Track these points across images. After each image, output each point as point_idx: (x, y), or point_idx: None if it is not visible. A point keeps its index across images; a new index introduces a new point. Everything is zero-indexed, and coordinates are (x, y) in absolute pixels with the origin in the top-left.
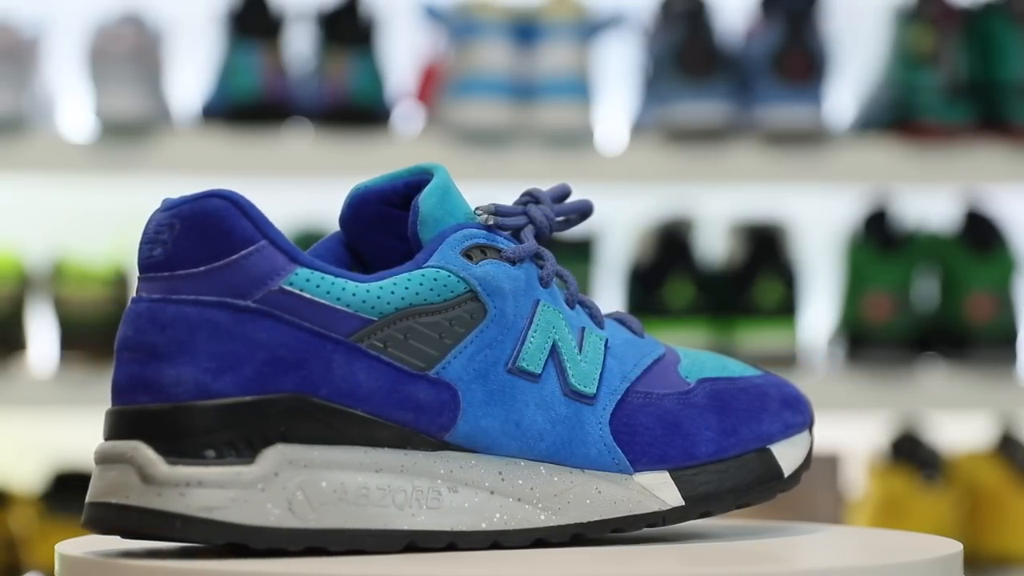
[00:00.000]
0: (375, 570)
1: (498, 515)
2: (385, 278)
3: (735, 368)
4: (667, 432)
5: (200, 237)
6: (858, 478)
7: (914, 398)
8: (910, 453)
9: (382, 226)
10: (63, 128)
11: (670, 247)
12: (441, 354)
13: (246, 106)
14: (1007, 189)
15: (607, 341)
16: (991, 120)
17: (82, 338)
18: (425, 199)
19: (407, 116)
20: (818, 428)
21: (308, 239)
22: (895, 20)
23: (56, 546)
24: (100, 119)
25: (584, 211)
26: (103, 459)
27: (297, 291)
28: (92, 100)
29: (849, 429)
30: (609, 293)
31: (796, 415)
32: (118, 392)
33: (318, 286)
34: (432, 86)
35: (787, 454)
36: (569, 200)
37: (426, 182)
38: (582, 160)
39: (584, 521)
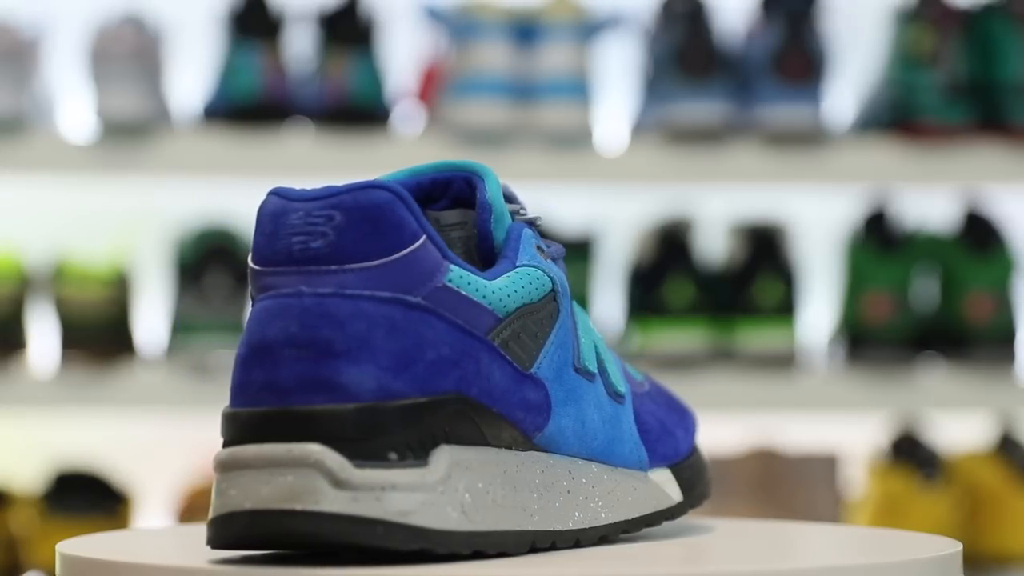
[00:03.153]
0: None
1: (577, 514)
2: (496, 276)
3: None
4: (662, 430)
5: (369, 230)
6: (858, 478)
7: (914, 398)
8: (910, 453)
9: None
10: (63, 128)
11: (670, 247)
12: (536, 354)
13: (246, 106)
14: (1006, 189)
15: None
16: (990, 120)
17: (83, 338)
18: (495, 197)
19: (407, 116)
20: (817, 428)
21: None
22: (895, 20)
23: (57, 546)
24: (101, 119)
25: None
26: (269, 463)
27: (455, 288)
28: (93, 101)
29: (849, 429)
30: (609, 293)
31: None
32: (281, 392)
33: (469, 283)
34: (433, 86)
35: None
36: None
37: (450, 179)
38: (582, 160)
39: (630, 518)
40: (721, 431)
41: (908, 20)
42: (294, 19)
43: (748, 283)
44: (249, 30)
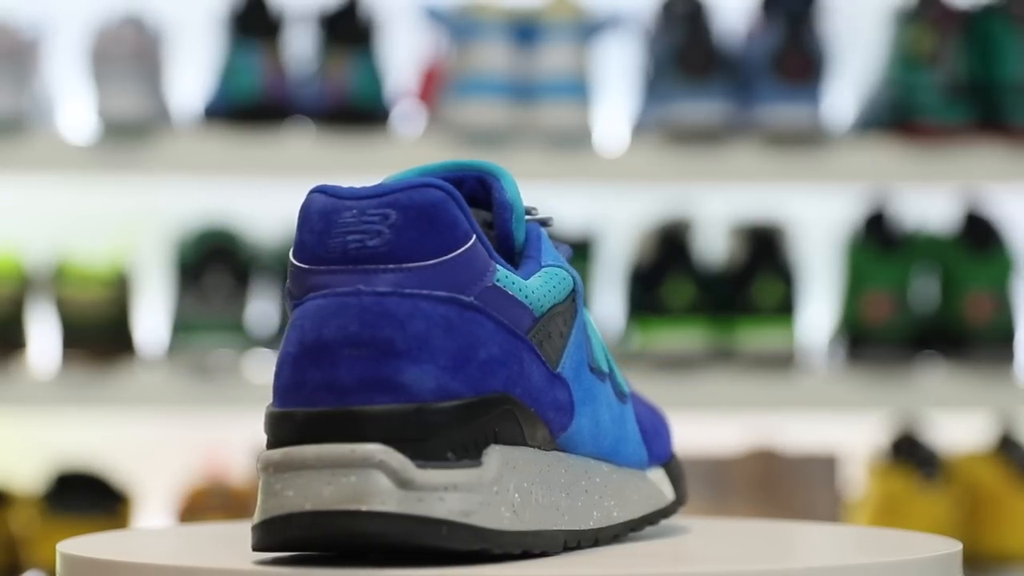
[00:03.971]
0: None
1: (595, 513)
2: (528, 276)
3: None
4: (653, 430)
5: (426, 229)
6: (857, 478)
7: (913, 398)
8: (909, 452)
9: None
10: (64, 129)
11: (670, 247)
12: (560, 354)
13: (247, 107)
14: (1006, 189)
15: None
16: (990, 120)
17: (83, 338)
18: (515, 196)
19: (407, 116)
20: (817, 428)
21: None
22: (895, 21)
23: (57, 545)
24: (101, 120)
25: None
26: (331, 463)
27: (502, 288)
28: (93, 101)
29: (848, 429)
30: (609, 293)
31: None
32: (340, 392)
33: (513, 283)
34: (433, 87)
35: None
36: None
37: (462, 178)
38: (582, 160)
39: (637, 517)
40: (721, 431)
41: (908, 20)
42: (294, 19)
43: (748, 283)
44: (249, 30)
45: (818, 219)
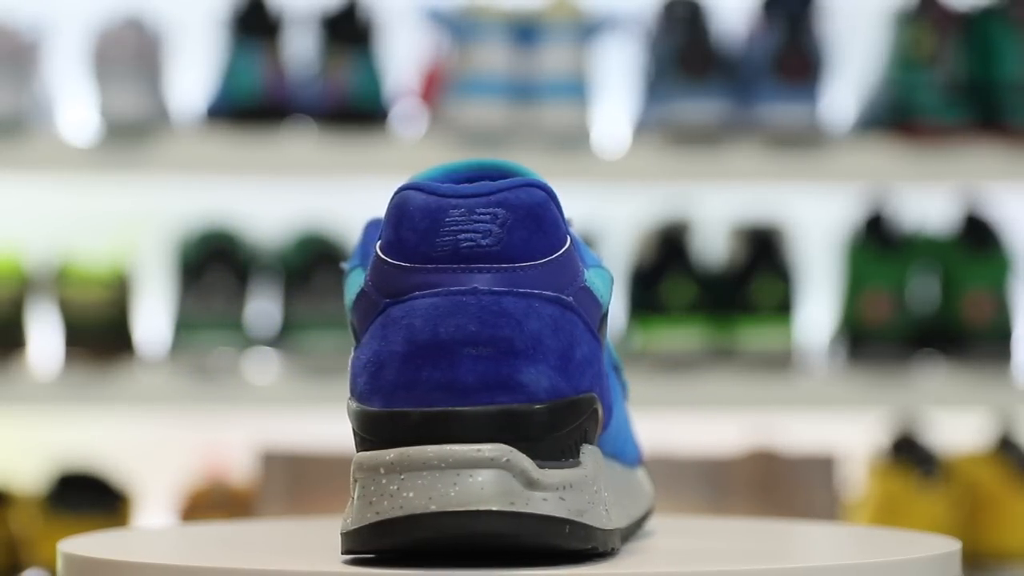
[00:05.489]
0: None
1: (617, 511)
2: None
3: None
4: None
5: (534, 228)
6: (857, 477)
7: (912, 397)
8: (909, 452)
9: None
10: (65, 129)
11: (670, 247)
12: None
13: (247, 107)
14: (1005, 189)
15: None
16: (989, 120)
17: (84, 338)
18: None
19: (407, 116)
20: (817, 427)
21: (308, 239)
22: (894, 21)
23: (58, 544)
24: (102, 120)
25: None
26: (456, 463)
27: (590, 288)
28: (95, 102)
29: (848, 428)
30: None
31: None
32: (461, 391)
33: (593, 284)
34: (434, 87)
35: None
36: None
37: (480, 177)
38: (582, 160)
39: (639, 515)
40: (720, 430)
41: (908, 21)
42: (295, 20)
43: (747, 283)
44: (250, 31)
45: (817, 219)
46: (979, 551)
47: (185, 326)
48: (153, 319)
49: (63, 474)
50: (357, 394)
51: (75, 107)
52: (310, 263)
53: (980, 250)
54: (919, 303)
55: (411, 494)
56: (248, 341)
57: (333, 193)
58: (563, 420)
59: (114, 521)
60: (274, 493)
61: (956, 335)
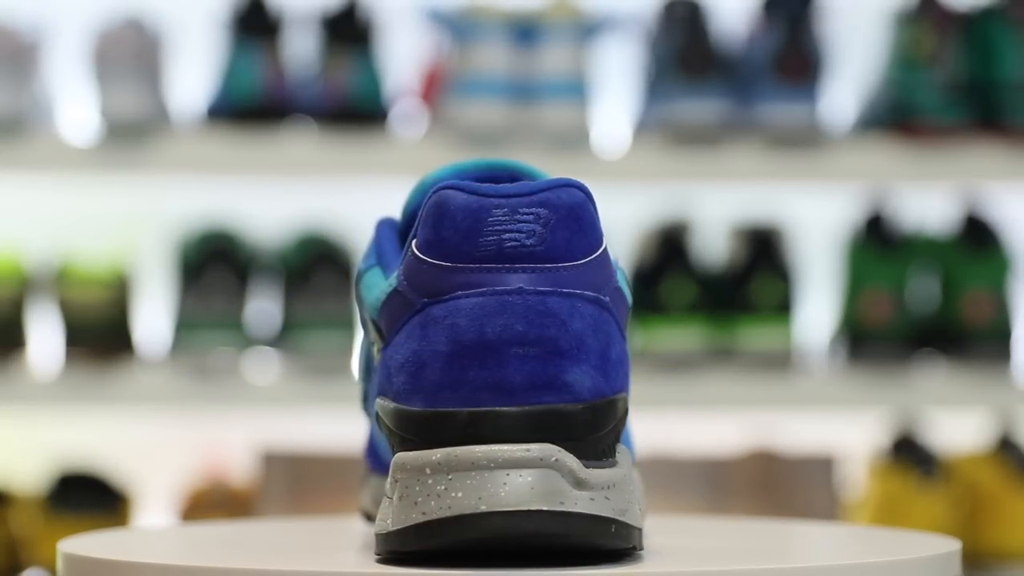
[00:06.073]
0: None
1: (632, 506)
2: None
3: None
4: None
5: (575, 228)
6: (857, 477)
7: (912, 397)
8: (909, 452)
9: None
10: (65, 129)
11: (670, 247)
12: None
13: (247, 107)
14: (1004, 189)
15: None
16: (989, 120)
17: (85, 338)
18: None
19: (407, 117)
20: (816, 427)
21: (309, 239)
22: (894, 21)
23: (58, 544)
24: (103, 120)
25: None
26: (505, 463)
27: (621, 289)
28: (95, 102)
29: (848, 428)
30: None
31: None
32: (509, 391)
33: (623, 284)
34: (434, 87)
35: None
36: None
37: (494, 178)
38: (582, 161)
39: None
40: (720, 430)
41: (908, 21)
42: (295, 20)
43: (747, 283)
44: (250, 31)
45: (817, 219)
46: (979, 551)
47: (185, 326)
48: (153, 319)
49: (63, 474)
50: (393, 393)
51: (75, 107)
52: (310, 263)
53: (980, 250)
54: (919, 303)
55: (460, 494)
56: (248, 341)
57: (333, 193)
58: (604, 420)
59: (114, 521)
60: (274, 493)
61: (956, 335)
